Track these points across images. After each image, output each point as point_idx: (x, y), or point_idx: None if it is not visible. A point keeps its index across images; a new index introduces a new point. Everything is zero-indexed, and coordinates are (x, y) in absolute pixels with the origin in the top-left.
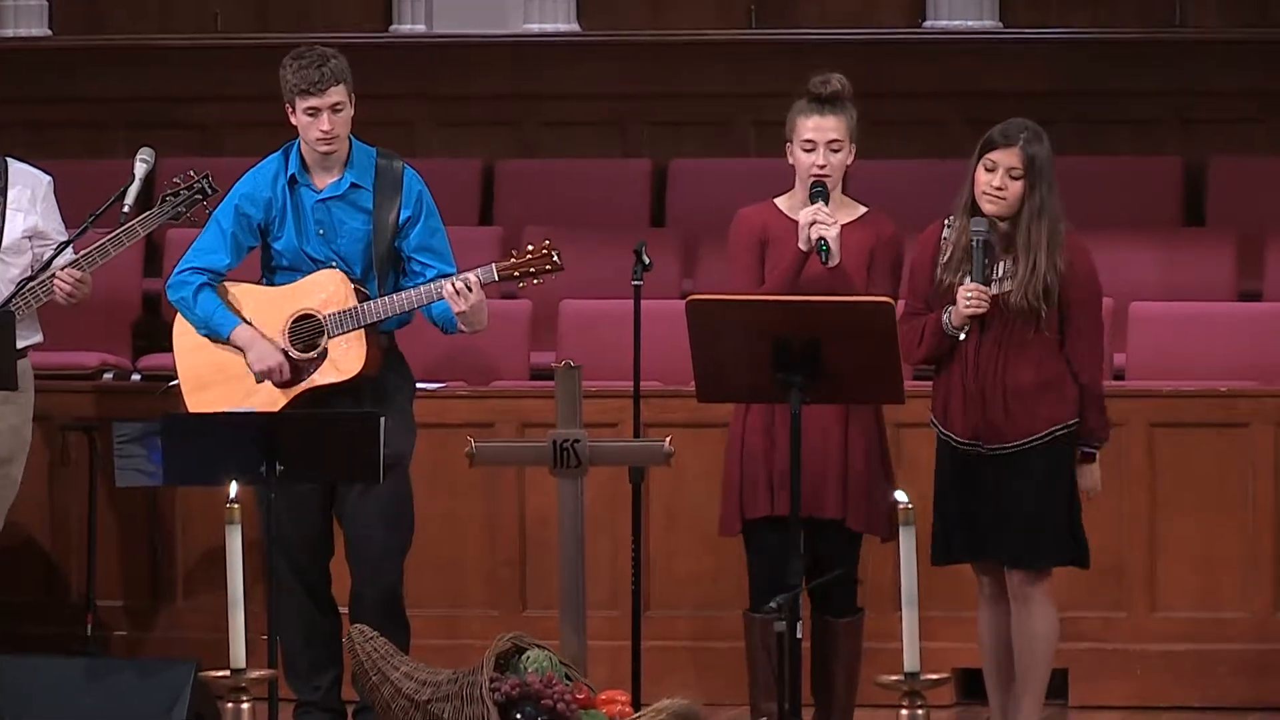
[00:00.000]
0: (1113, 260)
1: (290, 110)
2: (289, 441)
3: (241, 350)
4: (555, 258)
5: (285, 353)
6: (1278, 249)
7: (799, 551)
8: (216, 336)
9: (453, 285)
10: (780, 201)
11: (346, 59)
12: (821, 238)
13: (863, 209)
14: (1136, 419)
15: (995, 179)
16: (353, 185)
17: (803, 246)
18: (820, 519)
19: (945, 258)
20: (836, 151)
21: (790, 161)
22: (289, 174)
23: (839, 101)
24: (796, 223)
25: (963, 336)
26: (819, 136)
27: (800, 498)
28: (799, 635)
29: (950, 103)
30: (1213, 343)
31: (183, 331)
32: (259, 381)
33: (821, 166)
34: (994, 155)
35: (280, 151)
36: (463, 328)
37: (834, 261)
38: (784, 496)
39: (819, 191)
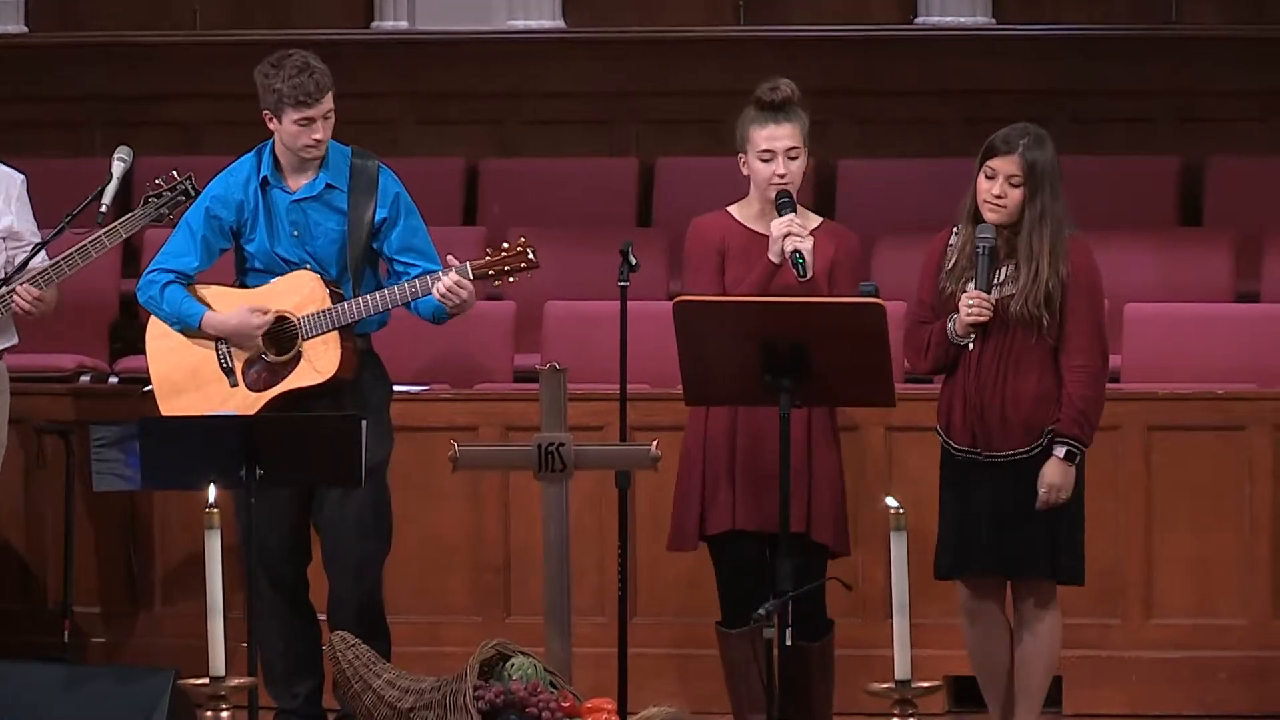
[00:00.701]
0: (1108, 261)
1: (272, 119)
2: (269, 445)
3: (215, 341)
4: (531, 255)
5: (261, 355)
6: (1276, 250)
7: (788, 557)
8: (188, 328)
9: (445, 288)
10: (735, 210)
11: (326, 57)
12: (797, 250)
13: (819, 219)
14: (1132, 422)
15: (995, 187)
16: (328, 186)
17: (774, 259)
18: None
19: (950, 265)
20: (794, 159)
21: (745, 172)
22: (261, 176)
23: (790, 107)
24: (754, 232)
25: (969, 346)
26: (776, 145)
27: (788, 505)
28: (788, 643)
29: (943, 101)
30: (1210, 344)
31: (155, 336)
32: (255, 343)
33: (782, 175)
34: (994, 163)
35: (253, 153)
36: (452, 312)
37: (809, 274)
38: (744, 509)
39: (786, 203)
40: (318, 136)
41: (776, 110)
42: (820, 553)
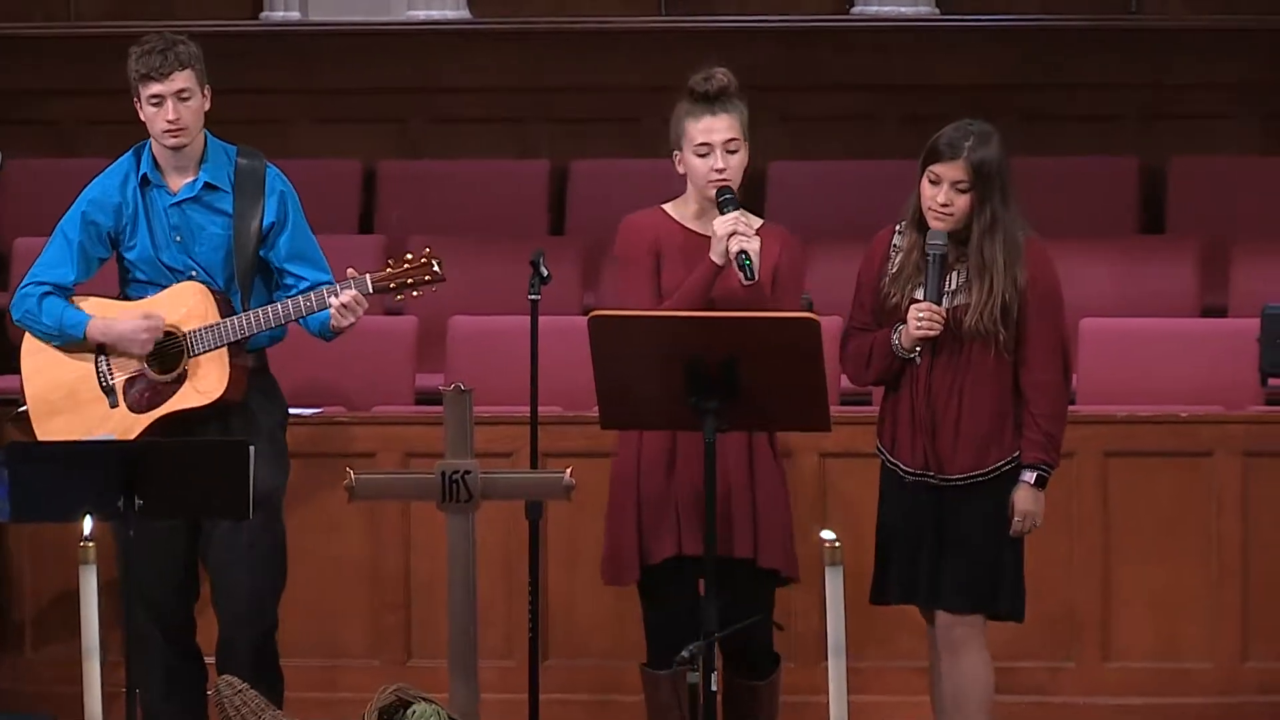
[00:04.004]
0: (1063, 271)
1: (137, 102)
2: (149, 473)
3: (96, 357)
4: (436, 267)
5: (142, 373)
6: (1244, 259)
7: (715, 594)
8: (73, 339)
9: (342, 305)
10: (671, 209)
11: (211, 50)
12: (743, 251)
13: (758, 219)
14: (1088, 447)
15: (940, 194)
16: (207, 185)
17: (718, 260)
18: (730, 559)
19: (894, 269)
20: (733, 152)
21: (680, 170)
22: (141, 174)
23: (727, 97)
24: (693, 232)
25: (916, 359)
26: (713, 138)
27: (714, 539)
28: (714, 687)
29: (882, 97)
30: (1172, 363)
31: (30, 352)
32: (145, 351)
33: (720, 170)
34: (937, 168)
35: (131, 152)
36: (343, 328)
37: (756, 277)
38: (688, 534)
39: (729, 200)
40: (170, 118)
41: (712, 101)
42: (769, 579)
